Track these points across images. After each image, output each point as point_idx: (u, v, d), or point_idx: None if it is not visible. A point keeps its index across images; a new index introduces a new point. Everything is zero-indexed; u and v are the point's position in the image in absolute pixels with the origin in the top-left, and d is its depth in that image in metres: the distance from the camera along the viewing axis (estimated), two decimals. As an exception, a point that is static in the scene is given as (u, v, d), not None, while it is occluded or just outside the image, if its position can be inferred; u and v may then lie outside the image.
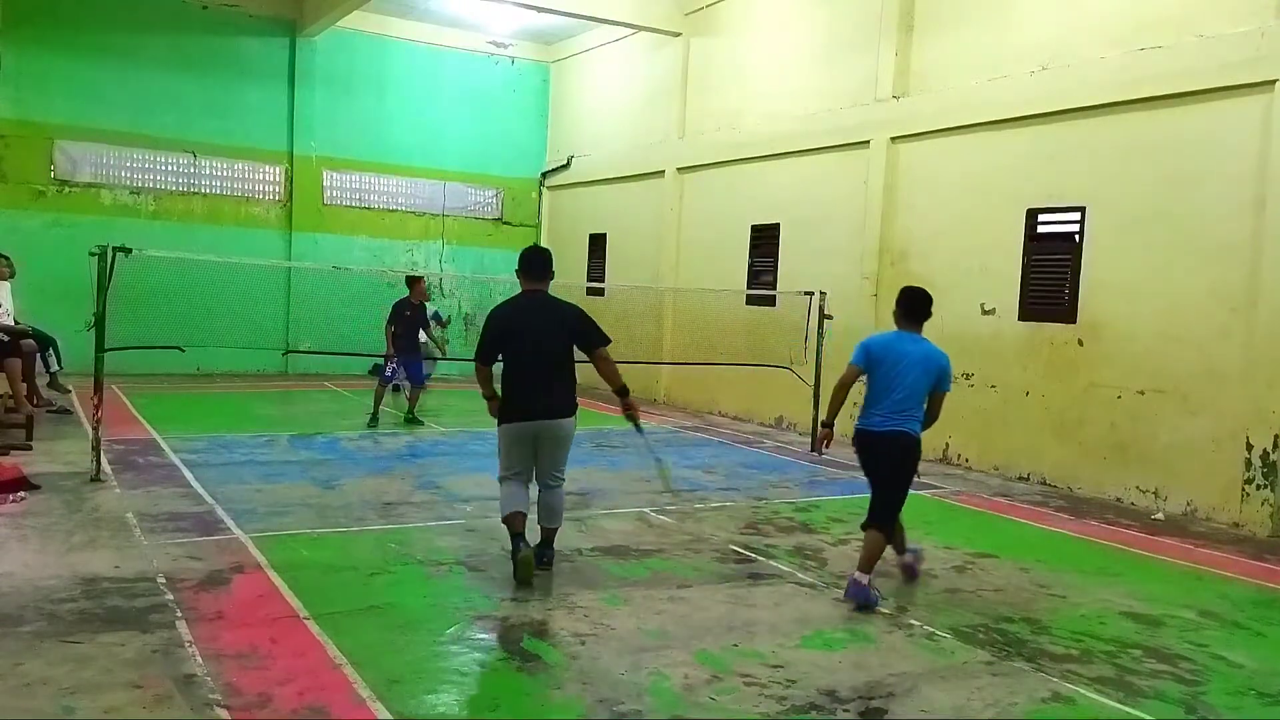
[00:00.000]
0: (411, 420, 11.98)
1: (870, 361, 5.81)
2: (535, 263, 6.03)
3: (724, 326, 13.78)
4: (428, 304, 13.09)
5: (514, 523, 5.81)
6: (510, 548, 5.83)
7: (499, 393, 5.93)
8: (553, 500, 6.01)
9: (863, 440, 5.86)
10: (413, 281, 12.15)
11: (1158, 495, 8.91)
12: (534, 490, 6.02)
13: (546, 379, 5.82)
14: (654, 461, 6.65)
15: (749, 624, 5.26)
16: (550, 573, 5.92)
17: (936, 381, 5.82)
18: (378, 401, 11.91)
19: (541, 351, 5.81)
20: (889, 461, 5.78)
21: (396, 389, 13.25)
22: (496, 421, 5.94)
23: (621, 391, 5.97)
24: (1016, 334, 10.24)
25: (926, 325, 6.03)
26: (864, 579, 5.58)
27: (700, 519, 7.61)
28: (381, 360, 12.36)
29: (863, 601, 5.55)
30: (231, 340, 12.13)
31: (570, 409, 5.88)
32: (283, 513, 7.14)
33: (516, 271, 6.06)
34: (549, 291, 6.02)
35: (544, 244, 19.09)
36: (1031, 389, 10.01)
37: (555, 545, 6.09)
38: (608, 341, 5.93)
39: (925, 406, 5.85)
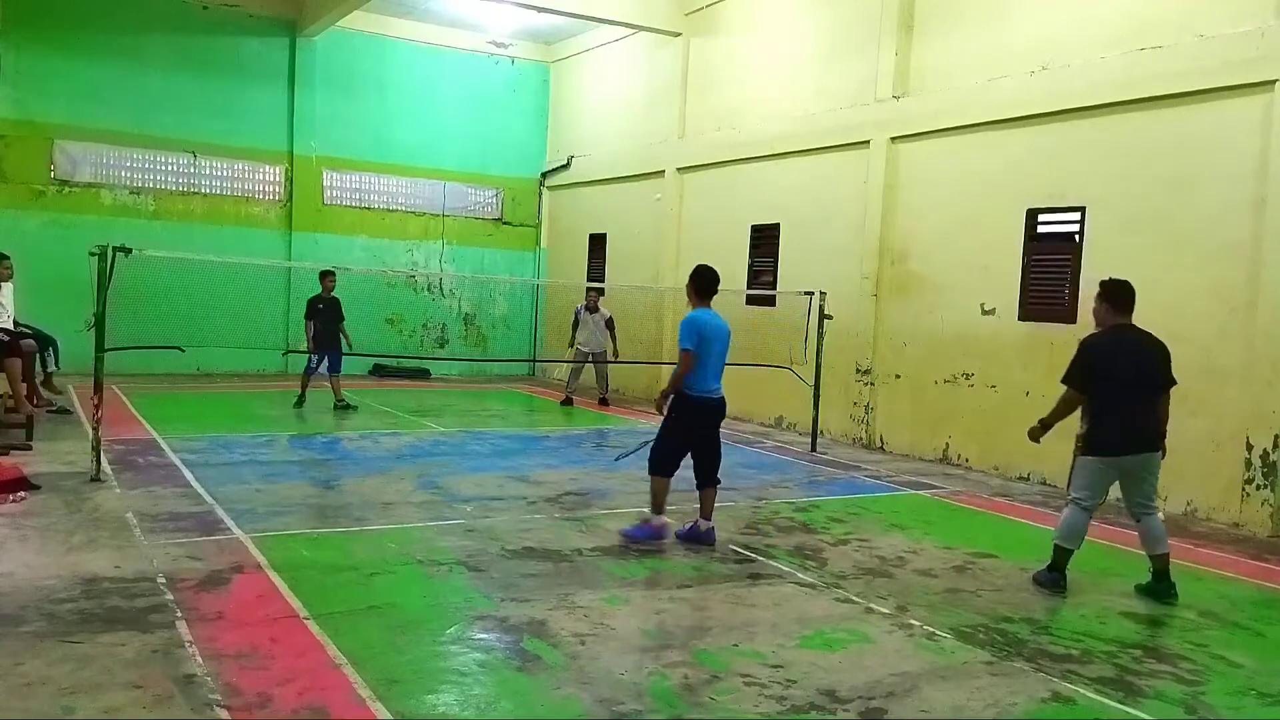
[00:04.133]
0: (343, 407, 12.64)
1: None
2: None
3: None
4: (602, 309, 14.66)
5: (1068, 557, 6.19)
6: (1051, 577, 6.16)
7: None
8: (1157, 527, 6.19)
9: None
10: (325, 276, 12.73)
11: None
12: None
13: (1148, 412, 6.12)
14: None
15: (749, 624, 5.26)
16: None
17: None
18: (303, 387, 12.85)
19: (1143, 385, 6.09)
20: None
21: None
22: (1081, 451, 6.28)
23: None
24: (1016, 334, 10.24)
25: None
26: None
27: (700, 519, 7.61)
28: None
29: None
30: (231, 340, 12.16)
31: (1160, 442, 6.17)
32: (283, 513, 7.14)
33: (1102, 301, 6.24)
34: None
35: (544, 244, 19.13)
36: (1032, 389, 9.99)
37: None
38: (1174, 383, 6.21)
39: None
